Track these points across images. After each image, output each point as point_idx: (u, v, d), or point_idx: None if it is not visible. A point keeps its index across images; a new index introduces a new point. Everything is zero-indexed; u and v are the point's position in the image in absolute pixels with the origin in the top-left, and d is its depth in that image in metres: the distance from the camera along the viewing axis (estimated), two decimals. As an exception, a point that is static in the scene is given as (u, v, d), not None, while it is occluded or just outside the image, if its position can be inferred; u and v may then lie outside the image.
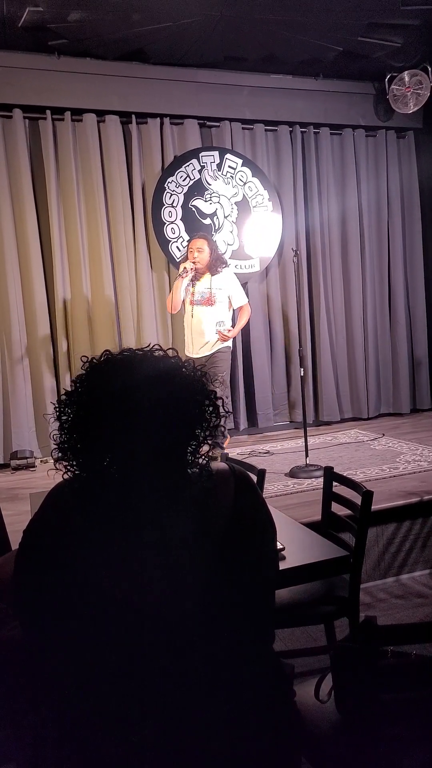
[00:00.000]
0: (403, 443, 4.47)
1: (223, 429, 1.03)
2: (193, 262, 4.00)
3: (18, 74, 4.38)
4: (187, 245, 4.19)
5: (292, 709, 1.08)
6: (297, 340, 4.46)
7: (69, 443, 0.97)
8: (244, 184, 5.07)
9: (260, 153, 5.16)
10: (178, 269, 4.18)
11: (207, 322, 4.05)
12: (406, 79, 5.04)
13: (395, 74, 5.06)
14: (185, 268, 3.99)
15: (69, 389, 0.99)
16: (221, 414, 1.02)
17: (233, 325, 4.23)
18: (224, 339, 4.05)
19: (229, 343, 4.17)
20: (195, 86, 4.85)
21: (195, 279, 4.05)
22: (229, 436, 4.42)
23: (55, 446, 0.98)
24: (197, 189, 4.93)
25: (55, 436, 0.98)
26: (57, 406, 0.99)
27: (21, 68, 4.38)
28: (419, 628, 1.26)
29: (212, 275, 4.07)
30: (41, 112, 4.54)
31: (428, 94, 5.05)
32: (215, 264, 4.07)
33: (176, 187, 4.87)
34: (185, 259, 4.12)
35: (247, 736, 0.95)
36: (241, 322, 4.25)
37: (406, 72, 5.02)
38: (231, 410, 4.98)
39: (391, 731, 1.19)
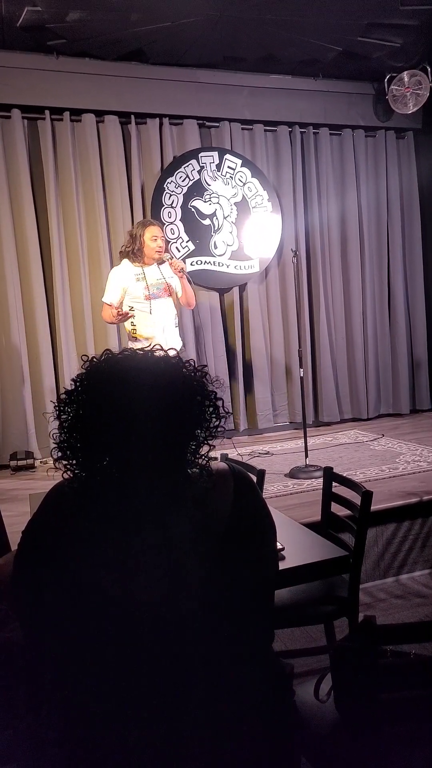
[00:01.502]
0: (402, 444, 4.47)
1: (222, 430, 1.03)
2: (159, 252, 3.63)
3: (16, 74, 4.38)
4: (141, 232, 3.63)
5: (292, 708, 1.08)
6: (296, 340, 4.46)
7: (68, 442, 0.97)
8: (244, 184, 5.07)
9: (260, 153, 5.16)
10: (162, 263, 3.70)
11: (170, 314, 3.68)
12: (406, 79, 5.05)
13: (395, 74, 5.07)
14: (181, 267, 3.66)
15: (69, 389, 0.99)
16: (221, 415, 1.02)
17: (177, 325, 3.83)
18: (180, 269, 3.64)
19: (180, 340, 3.90)
20: (194, 86, 4.85)
21: (143, 271, 3.64)
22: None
23: (55, 445, 0.98)
24: (196, 189, 4.93)
25: (54, 435, 0.98)
26: (57, 404, 0.98)
27: (19, 68, 4.38)
28: (418, 628, 1.26)
29: (159, 265, 3.68)
30: (40, 113, 4.54)
31: (428, 95, 5.05)
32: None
33: (175, 187, 4.87)
34: (135, 250, 3.61)
35: (246, 736, 0.95)
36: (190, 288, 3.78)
37: (405, 72, 5.03)
38: (231, 411, 4.97)
39: (391, 731, 1.19)
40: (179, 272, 3.66)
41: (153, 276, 3.64)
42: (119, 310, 3.55)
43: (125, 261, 3.69)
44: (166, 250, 3.71)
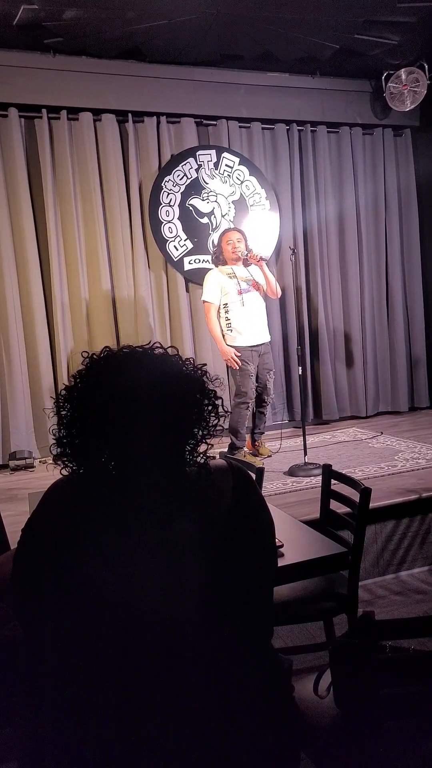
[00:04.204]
0: (401, 441, 4.47)
1: (221, 429, 1.03)
2: (234, 253, 4.05)
3: (13, 73, 4.37)
4: (219, 239, 4.18)
5: (291, 704, 1.09)
6: (295, 338, 4.46)
7: (67, 438, 0.97)
8: (242, 182, 5.06)
9: (257, 151, 5.16)
10: (248, 262, 4.13)
11: (260, 307, 4.12)
12: (403, 76, 5.04)
13: (392, 72, 5.06)
14: (260, 257, 4.06)
15: (68, 385, 0.99)
16: (220, 413, 1.02)
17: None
18: (259, 258, 4.04)
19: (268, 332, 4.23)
20: (191, 84, 4.85)
21: (233, 270, 4.08)
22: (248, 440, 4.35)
23: (54, 441, 0.98)
24: (194, 188, 4.93)
25: (54, 431, 0.98)
26: (56, 400, 0.99)
27: (16, 67, 4.37)
28: (417, 623, 1.26)
29: (245, 265, 4.12)
30: (37, 111, 4.53)
31: (425, 92, 5.05)
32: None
33: (173, 185, 4.86)
34: (219, 255, 4.13)
35: (246, 732, 0.95)
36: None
37: (402, 69, 5.02)
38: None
39: (390, 726, 1.20)
40: (259, 261, 4.03)
41: (242, 274, 4.08)
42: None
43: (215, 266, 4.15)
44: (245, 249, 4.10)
